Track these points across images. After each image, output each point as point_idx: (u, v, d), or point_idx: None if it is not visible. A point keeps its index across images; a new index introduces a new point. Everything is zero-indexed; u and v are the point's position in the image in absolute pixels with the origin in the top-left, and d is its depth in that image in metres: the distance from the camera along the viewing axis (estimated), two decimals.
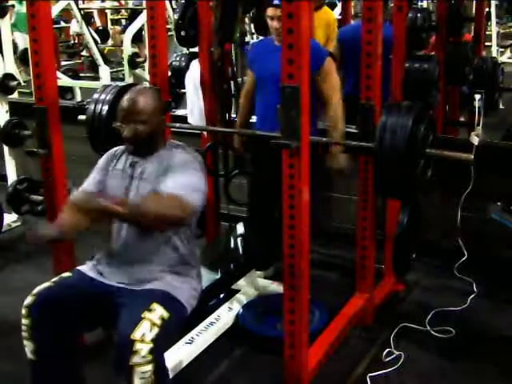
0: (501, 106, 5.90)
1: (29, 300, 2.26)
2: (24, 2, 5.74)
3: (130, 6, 11.36)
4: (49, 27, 2.84)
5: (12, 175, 4.56)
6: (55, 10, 7.67)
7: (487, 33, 7.63)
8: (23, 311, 2.24)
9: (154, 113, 2.34)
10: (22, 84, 5.29)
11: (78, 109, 3.86)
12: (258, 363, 2.89)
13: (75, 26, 10.24)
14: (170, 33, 4.37)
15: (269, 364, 2.82)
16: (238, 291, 3.32)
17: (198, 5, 3.38)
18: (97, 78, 7.94)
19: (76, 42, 12.04)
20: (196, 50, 3.63)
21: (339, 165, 3.22)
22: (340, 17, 6.13)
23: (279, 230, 2.43)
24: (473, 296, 3.38)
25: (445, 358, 2.94)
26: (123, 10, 12.54)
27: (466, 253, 3.38)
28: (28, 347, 2.25)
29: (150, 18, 3.13)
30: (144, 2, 7.16)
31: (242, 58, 3.54)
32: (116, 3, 12.16)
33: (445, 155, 2.69)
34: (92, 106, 3.00)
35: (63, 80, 7.29)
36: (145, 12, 3.93)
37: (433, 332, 3.08)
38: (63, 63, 9.85)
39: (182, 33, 3.48)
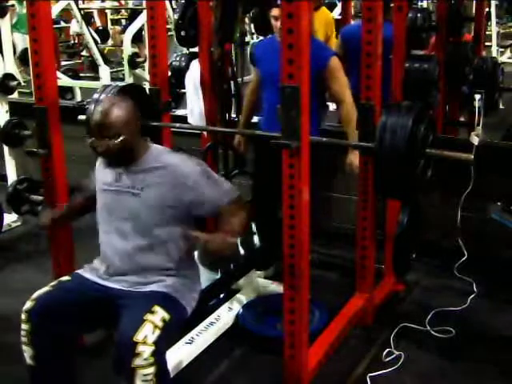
0: (501, 106, 5.90)
1: (28, 305, 2.25)
2: (24, 3, 5.73)
3: (130, 5, 11.36)
4: (49, 27, 2.83)
5: (12, 175, 4.56)
6: (55, 10, 7.67)
7: (487, 33, 7.62)
8: (23, 316, 2.24)
9: (126, 125, 2.24)
10: (22, 84, 5.30)
11: (78, 109, 3.86)
12: (258, 363, 2.89)
13: (75, 26, 10.23)
14: (170, 33, 4.37)
15: (269, 364, 2.82)
16: (237, 291, 3.32)
17: (198, 5, 3.38)
18: (97, 78, 7.94)
19: (76, 41, 12.03)
20: (196, 50, 3.63)
21: (353, 163, 3.21)
22: (340, 17, 6.14)
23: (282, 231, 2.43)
24: (473, 296, 3.38)
25: (445, 357, 2.94)
26: (123, 10, 12.54)
27: (465, 253, 3.38)
28: (27, 353, 2.25)
29: (149, 18, 3.13)
30: (144, 2, 7.16)
31: (242, 58, 3.54)
32: (116, 3, 12.17)
33: (445, 155, 2.69)
34: (92, 106, 2.99)
35: (63, 80, 7.29)
36: (145, 12, 3.93)
37: (433, 332, 3.08)
38: (63, 63, 9.85)
39: (182, 33, 3.48)
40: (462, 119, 5.26)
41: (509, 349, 3.01)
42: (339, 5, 7.56)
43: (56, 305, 2.25)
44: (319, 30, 4.58)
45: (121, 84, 3.12)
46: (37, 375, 2.29)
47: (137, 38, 7.94)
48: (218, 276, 3.28)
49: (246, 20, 4.46)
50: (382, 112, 2.75)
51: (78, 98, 7.36)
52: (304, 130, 2.26)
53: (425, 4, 8.98)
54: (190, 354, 2.78)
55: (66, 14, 10.65)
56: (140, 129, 2.35)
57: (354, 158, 3.18)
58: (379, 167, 2.72)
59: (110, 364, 2.13)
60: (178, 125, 3.32)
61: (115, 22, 13.00)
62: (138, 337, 2.05)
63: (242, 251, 3.40)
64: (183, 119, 3.81)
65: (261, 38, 4.51)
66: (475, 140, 3.17)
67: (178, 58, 4.35)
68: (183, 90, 3.98)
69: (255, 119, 3.59)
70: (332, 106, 4.15)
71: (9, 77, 4.44)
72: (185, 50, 4.33)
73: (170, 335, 2.22)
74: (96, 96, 3.00)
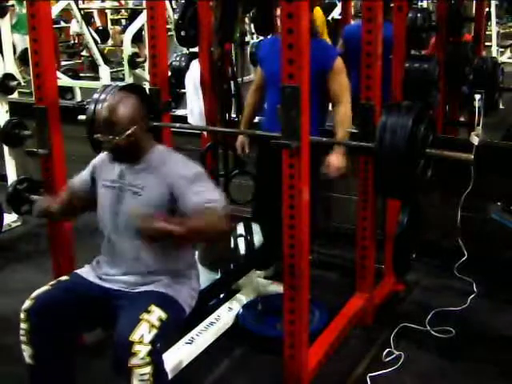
0: (501, 106, 5.90)
1: (27, 304, 2.25)
2: (24, 3, 5.74)
3: (130, 5, 11.37)
4: (49, 27, 2.83)
5: (12, 175, 4.57)
6: (55, 10, 7.68)
7: (487, 33, 7.63)
8: (22, 315, 2.24)
9: (132, 121, 2.25)
10: (22, 84, 5.30)
11: (78, 109, 3.86)
12: (258, 363, 2.89)
13: (75, 26, 10.24)
14: (170, 33, 4.37)
15: (269, 364, 2.82)
16: (237, 291, 3.32)
17: (198, 5, 3.38)
18: (97, 78, 7.94)
19: (76, 41, 12.04)
20: (196, 50, 3.63)
21: (338, 164, 3.17)
22: (340, 17, 6.13)
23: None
24: (473, 296, 3.38)
25: (445, 357, 2.94)
26: (123, 10, 12.55)
27: (465, 253, 3.38)
28: (26, 352, 2.25)
29: (149, 18, 3.13)
30: (144, 2, 7.16)
31: (242, 58, 3.54)
32: (116, 3, 12.18)
33: (445, 155, 2.69)
34: (92, 106, 2.99)
35: (63, 80, 7.29)
36: (145, 12, 3.92)
37: (433, 332, 3.08)
38: (63, 63, 9.85)
39: (182, 33, 3.48)
40: (462, 119, 5.26)
41: (509, 349, 3.01)
42: (339, 5, 7.56)
43: (55, 304, 2.25)
44: None
45: (121, 84, 3.12)
46: (36, 374, 2.29)
47: (137, 38, 7.95)
48: (218, 276, 3.28)
49: (246, 20, 4.47)
50: (382, 112, 2.75)
51: (78, 98, 7.37)
52: (304, 130, 2.26)
53: (425, 4, 8.97)
54: (189, 354, 2.78)
55: (66, 14, 10.67)
56: (147, 126, 2.37)
57: (335, 158, 3.07)
58: (379, 167, 2.72)
59: (110, 364, 2.13)
60: (178, 125, 3.32)
61: (115, 22, 13.01)
62: (135, 336, 2.05)
63: (241, 251, 3.40)
64: (183, 119, 3.81)
65: (261, 37, 4.51)
66: (475, 140, 3.17)
67: (177, 58, 4.35)
68: (183, 90, 3.98)
69: (255, 119, 3.58)
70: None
71: (9, 77, 4.44)
72: (185, 50, 4.32)
73: (167, 334, 2.21)
74: (96, 96, 3.00)
